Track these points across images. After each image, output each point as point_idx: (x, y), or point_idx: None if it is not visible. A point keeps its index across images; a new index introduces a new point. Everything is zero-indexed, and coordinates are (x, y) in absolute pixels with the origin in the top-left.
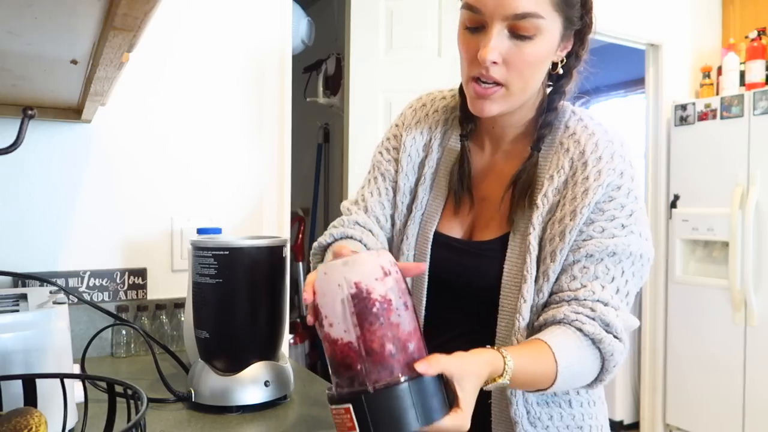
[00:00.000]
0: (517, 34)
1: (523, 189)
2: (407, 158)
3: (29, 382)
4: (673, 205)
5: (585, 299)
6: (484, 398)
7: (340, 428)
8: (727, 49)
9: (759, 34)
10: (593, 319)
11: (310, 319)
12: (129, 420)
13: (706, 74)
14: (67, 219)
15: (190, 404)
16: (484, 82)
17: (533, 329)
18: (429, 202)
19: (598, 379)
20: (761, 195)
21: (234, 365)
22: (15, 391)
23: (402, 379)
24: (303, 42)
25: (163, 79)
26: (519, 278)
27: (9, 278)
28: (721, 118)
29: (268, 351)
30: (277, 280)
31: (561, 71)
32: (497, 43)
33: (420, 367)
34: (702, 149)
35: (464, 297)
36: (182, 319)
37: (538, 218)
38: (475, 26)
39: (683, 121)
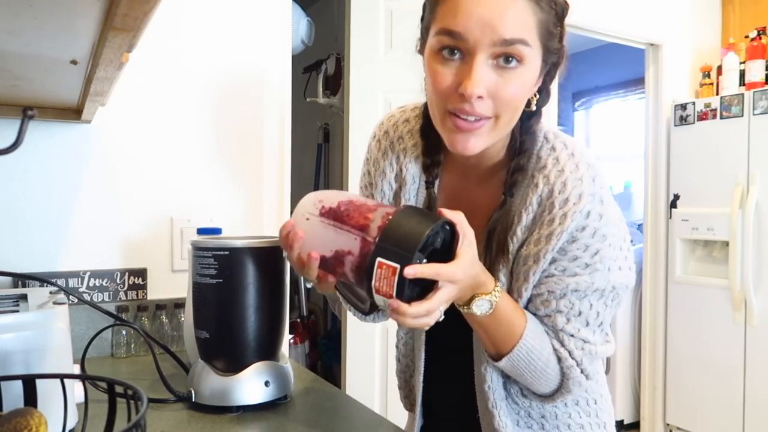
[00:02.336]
0: (501, 64)
1: (499, 242)
2: (380, 194)
3: (29, 383)
4: (673, 204)
5: (553, 329)
6: (472, 412)
7: (381, 282)
8: (727, 49)
9: (759, 34)
10: (559, 342)
11: (324, 284)
12: (129, 420)
13: (706, 74)
14: (67, 219)
15: (190, 404)
16: (465, 118)
17: None
18: None
19: (552, 396)
20: (761, 195)
21: (234, 365)
22: (15, 391)
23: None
24: (303, 42)
25: (162, 79)
26: None
27: (9, 278)
28: (721, 117)
29: (268, 351)
30: (277, 280)
31: (534, 108)
32: (482, 74)
33: (446, 212)
34: (702, 149)
35: (451, 326)
36: (182, 319)
37: (507, 256)
38: (452, 54)
39: (683, 120)
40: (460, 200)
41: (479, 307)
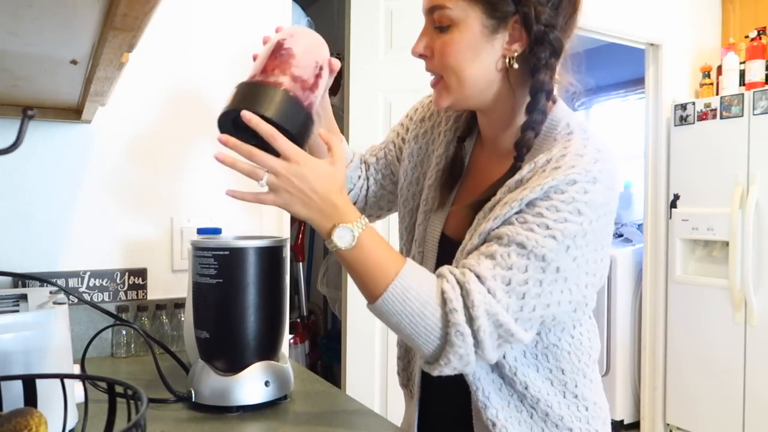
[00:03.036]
0: (437, 26)
1: (484, 196)
2: (409, 152)
3: (29, 383)
4: (673, 204)
5: (466, 266)
6: (466, 402)
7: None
8: (727, 49)
9: (759, 34)
10: (457, 281)
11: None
12: (129, 420)
13: (706, 74)
14: (67, 219)
15: (190, 404)
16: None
17: None
18: (438, 202)
19: (438, 360)
20: (761, 195)
21: (234, 365)
22: (15, 391)
23: (279, 85)
24: None
25: (163, 79)
26: None
27: (9, 278)
28: (721, 117)
29: (268, 351)
30: (277, 280)
31: (515, 65)
32: (424, 35)
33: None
34: (702, 149)
35: None
36: (182, 319)
37: (478, 214)
38: None
39: (683, 120)
40: (481, 174)
41: (341, 239)
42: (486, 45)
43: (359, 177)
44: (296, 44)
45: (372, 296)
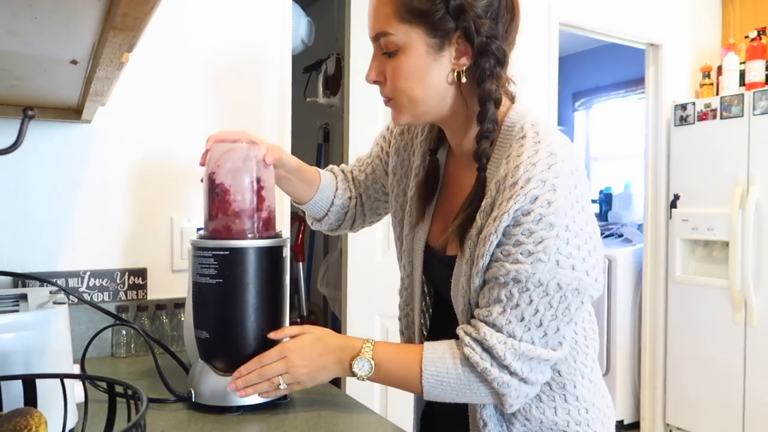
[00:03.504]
0: (385, 52)
1: (462, 225)
2: (393, 166)
3: (29, 383)
4: (673, 205)
5: (481, 319)
6: (463, 406)
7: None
8: (727, 49)
9: (759, 34)
10: (475, 340)
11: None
12: (129, 420)
13: (706, 74)
14: (67, 219)
15: (190, 404)
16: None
17: None
18: (419, 214)
19: (499, 403)
20: (761, 195)
21: (234, 365)
22: (15, 391)
23: (229, 232)
24: (303, 42)
25: (163, 79)
26: (455, 297)
27: (9, 278)
28: (721, 118)
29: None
30: (277, 280)
31: (464, 79)
32: (375, 63)
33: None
34: (702, 149)
35: (451, 307)
36: (182, 319)
37: (467, 242)
38: None
39: (683, 121)
40: (457, 184)
41: (361, 369)
42: (434, 63)
43: (350, 198)
44: (226, 175)
45: (415, 392)
